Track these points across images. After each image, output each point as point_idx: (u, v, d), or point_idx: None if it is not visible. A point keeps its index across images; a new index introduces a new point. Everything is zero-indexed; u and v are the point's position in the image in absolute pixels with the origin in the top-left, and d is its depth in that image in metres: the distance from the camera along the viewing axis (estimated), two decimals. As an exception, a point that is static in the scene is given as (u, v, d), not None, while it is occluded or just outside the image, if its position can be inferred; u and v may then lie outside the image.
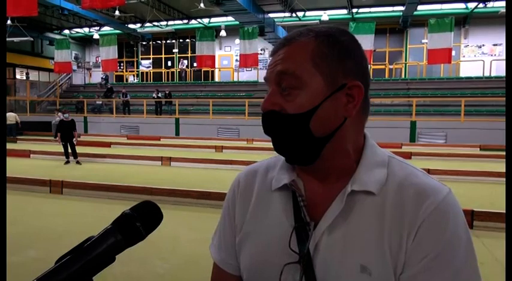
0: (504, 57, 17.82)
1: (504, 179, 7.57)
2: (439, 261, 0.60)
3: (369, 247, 0.62)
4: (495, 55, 18.49)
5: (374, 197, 0.65)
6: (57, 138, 10.12)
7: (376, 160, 0.68)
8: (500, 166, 8.91)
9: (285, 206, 0.71)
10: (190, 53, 23.23)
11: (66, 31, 23.24)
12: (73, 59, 23.25)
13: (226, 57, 22.77)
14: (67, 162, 10.06)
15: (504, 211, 4.40)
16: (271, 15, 18.62)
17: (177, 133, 17.69)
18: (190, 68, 23.27)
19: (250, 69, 20.38)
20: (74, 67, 23.83)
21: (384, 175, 0.66)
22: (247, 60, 17.95)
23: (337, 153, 0.68)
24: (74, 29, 23.06)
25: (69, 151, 10.07)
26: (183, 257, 3.71)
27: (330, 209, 0.66)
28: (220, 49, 22.24)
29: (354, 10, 18.48)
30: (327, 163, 0.68)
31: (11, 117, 17.69)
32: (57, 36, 22.84)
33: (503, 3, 16.23)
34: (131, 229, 0.54)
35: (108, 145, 14.03)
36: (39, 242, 4.25)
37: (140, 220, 0.55)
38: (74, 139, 10.04)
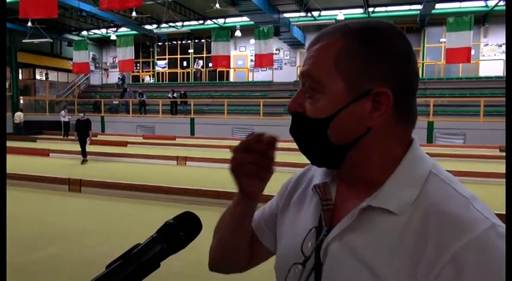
0: (525, 56, 17.36)
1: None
2: None
3: (376, 271, 0.56)
4: (516, 54, 18.04)
5: (394, 218, 0.58)
6: (75, 137, 10.38)
7: (411, 176, 0.60)
8: (521, 168, 8.67)
9: (316, 206, 0.68)
10: (206, 54, 23.36)
11: (84, 32, 23.66)
12: (91, 59, 23.67)
13: (241, 58, 22.81)
14: (84, 161, 10.24)
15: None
16: (286, 15, 18.58)
17: (192, 133, 17.82)
18: (206, 68, 23.41)
19: (265, 69, 20.40)
20: (92, 68, 24.25)
21: (413, 195, 0.58)
22: (262, 60, 17.97)
23: (362, 163, 0.62)
24: (92, 30, 23.45)
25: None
26: (198, 256, 3.71)
27: (343, 219, 0.62)
28: (235, 49, 22.30)
29: (370, 9, 18.28)
30: (354, 171, 0.63)
31: (20, 116, 18.05)
32: (76, 38, 23.28)
33: (525, 1, 15.80)
34: (176, 238, 0.58)
35: (124, 144, 14.23)
36: (60, 239, 4.34)
37: (183, 229, 0.59)
38: (88, 138, 10.21)
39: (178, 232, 0.58)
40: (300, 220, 0.71)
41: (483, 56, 18.70)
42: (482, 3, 17.29)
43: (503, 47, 18.38)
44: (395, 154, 0.62)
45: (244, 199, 0.72)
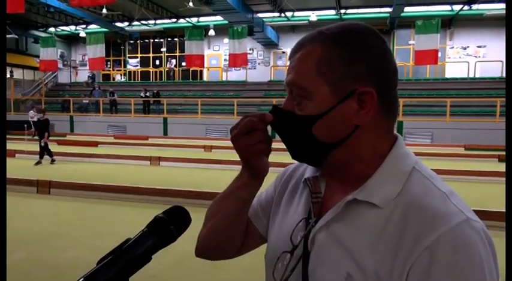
0: (488, 59, 18.22)
1: (489, 178, 7.71)
2: None
3: (359, 258, 0.60)
4: (479, 57, 18.85)
5: (378, 211, 0.61)
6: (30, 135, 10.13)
7: (395, 172, 0.63)
8: (485, 166, 9.10)
9: (306, 198, 0.72)
10: (179, 52, 23.11)
11: (52, 29, 22.88)
12: (59, 57, 22.91)
13: (215, 57, 22.71)
14: (52, 161, 9.94)
15: (488, 209, 4.53)
16: (260, 15, 18.64)
17: (165, 133, 17.59)
18: (179, 67, 23.15)
19: (239, 68, 20.39)
20: (60, 65, 23.47)
21: (395, 189, 0.61)
22: (236, 60, 17.95)
23: (349, 160, 0.65)
24: (60, 27, 22.70)
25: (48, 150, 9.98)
26: (174, 257, 3.70)
27: (329, 211, 0.65)
28: (209, 48, 22.17)
29: (342, 11, 18.62)
30: (341, 168, 0.66)
31: None
32: (42, 34, 22.48)
33: (488, 6, 16.57)
34: (166, 232, 0.58)
35: (95, 144, 13.87)
36: (29, 243, 4.20)
37: (173, 223, 0.59)
38: (42, 140, 9.87)
39: (169, 226, 0.58)
40: (291, 212, 0.74)
41: (449, 58, 19.42)
42: (448, 8, 17.96)
43: (468, 50, 19.17)
44: (381, 150, 0.65)
45: (254, 180, 0.73)
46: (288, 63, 0.70)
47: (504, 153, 11.37)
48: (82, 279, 0.50)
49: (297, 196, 0.76)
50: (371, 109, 0.62)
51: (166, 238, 0.58)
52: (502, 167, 8.86)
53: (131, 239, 0.56)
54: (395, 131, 0.68)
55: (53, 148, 10.80)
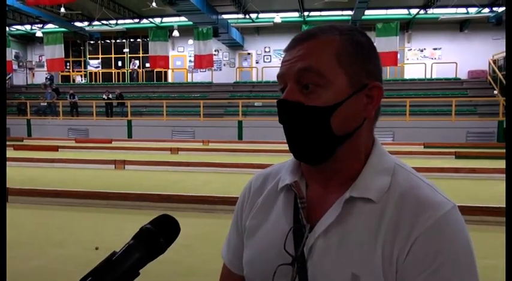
0: (443, 61, 19.15)
1: (447, 174, 8.08)
2: (434, 279, 0.57)
3: (362, 256, 0.61)
4: (435, 59, 19.78)
5: (373, 205, 0.63)
6: None
7: (381, 167, 0.66)
8: (443, 162, 9.57)
9: (286, 206, 0.70)
10: (142, 53, 22.64)
11: (5, 28, 21.77)
12: (13, 58, 21.81)
13: (180, 58, 22.44)
14: None
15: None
16: (224, 16, 18.62)
17: (130, 136, 17.17)
18: (142, 68, 22.69)
19: (204, 70, 20.26)
20: (15, 66, 22.37)
21: (386, 183, 0.64)
22: (202, 61, 17.82)
23: (350, 155, 0.66)
24: (14, 26, 21.63)
25: None
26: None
27: (327, 214, 0.64)
28: (173, 50, 21.87)
29: (306, 13, 18.96)
30: (338, 164, 0.66)
31: None
32: (-5, 34, 21.32)
33: (443, 10, 17.45)
34: (155, 244, 0.55)
35: (55, 148, 13.30)
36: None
37: (162, 235, 0.56)
38: None
39: (159, 239, 0.55)
40: (273, 222, 0.71)
41: (407, 59, 20.23)
42: (406, 11, 18.74)
43: (425, 52, 20.07)
44: (368, 147, 0.69)
45: None
46: (283, 55, 0.68)
47: (460, 150, 11.95)
48: None
49: (275, 205, 0.72)
50: (377, 103, 0.67)
51: (155, 250, 0.55)
52: (458, 163, 9.37)
53: (117, 253, 0.53)
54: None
55: (9, 153, 10.25)
